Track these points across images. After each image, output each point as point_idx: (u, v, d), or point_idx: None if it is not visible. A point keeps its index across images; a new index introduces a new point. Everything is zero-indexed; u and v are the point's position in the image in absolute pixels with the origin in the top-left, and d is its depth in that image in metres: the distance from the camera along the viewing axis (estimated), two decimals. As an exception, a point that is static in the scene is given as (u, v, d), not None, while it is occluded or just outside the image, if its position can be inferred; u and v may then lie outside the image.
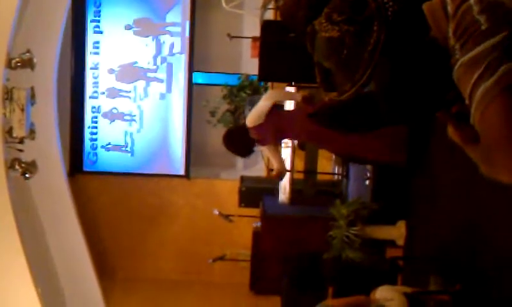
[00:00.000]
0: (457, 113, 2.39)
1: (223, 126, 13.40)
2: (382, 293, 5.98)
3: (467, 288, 5.81)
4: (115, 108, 14.66)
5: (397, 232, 8.02)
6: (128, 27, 14.51)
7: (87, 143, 14.67)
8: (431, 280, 6.44)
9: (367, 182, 8.75)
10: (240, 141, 7.35)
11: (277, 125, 7.27)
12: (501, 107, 2.00)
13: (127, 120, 14.69)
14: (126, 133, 14.69)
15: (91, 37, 14.47)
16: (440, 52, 2.22)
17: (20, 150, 9.34)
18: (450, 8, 2.17)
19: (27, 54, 9.22)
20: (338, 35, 2.46)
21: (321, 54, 2.59)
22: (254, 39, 11.50)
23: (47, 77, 11.81)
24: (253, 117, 7.27)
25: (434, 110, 2.34)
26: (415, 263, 7.64)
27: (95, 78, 14.58)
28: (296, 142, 10.15)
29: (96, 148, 14.71)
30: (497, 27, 2.02)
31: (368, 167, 8.62)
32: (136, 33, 14.54)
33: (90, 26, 14.45)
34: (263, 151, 7.85)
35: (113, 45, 14.54)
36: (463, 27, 2.09)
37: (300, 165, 10.79)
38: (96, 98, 14.64)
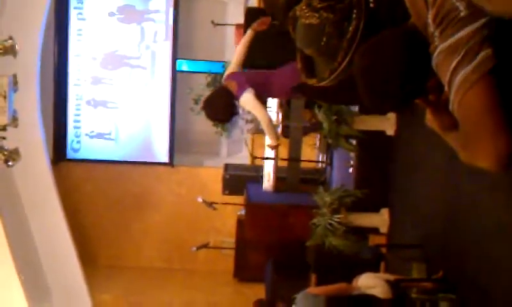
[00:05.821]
0: (436, 101, 2.39)
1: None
2: (364, 280, 5.99)
3: (450, 275, 5.84)
4: (99, 95, 14.60)
5: (380, 220, 8.04)
6: (111, 14, 14.44)
7: (70, 131, 14.60)
8: (413, 267, 6.47)
9: (351, 170, 8.76)
10: (220, 103, 6.79)
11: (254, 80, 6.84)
12: (480, 92, 2.00)
13: (111, 108, 14.63)
14: (110, 121, 14.63)
15: (74, 24, 14.38)
16: (419, 39, 2.23)
17: (3, 138, 9.25)
18: (430, -4, 2.17)
19: (10, 41, 9.11)
20: (318, 22, 2.46)
21: (302, 41, 2.59)
22: (238, 26, 11.46)
23: (30, 64, 11.73)
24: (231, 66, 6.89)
25: (413, 97, 2.34)
26: (398, 250, 7.67)
27: (78, 65, 14.50)
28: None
29: (79, 136, 14.64)
30: (476, 14, 2.03)
31: (352, 154, 8.63)
32: (119, 20, 14.46)
33: (73, 13, 14.35)
34: (244, 105, 6.97)
35: (96, 32, 14.46)
36: (443, 13, 2.09)
37: (284, 153, 10.77)
38: (79, 85, 14.56)
